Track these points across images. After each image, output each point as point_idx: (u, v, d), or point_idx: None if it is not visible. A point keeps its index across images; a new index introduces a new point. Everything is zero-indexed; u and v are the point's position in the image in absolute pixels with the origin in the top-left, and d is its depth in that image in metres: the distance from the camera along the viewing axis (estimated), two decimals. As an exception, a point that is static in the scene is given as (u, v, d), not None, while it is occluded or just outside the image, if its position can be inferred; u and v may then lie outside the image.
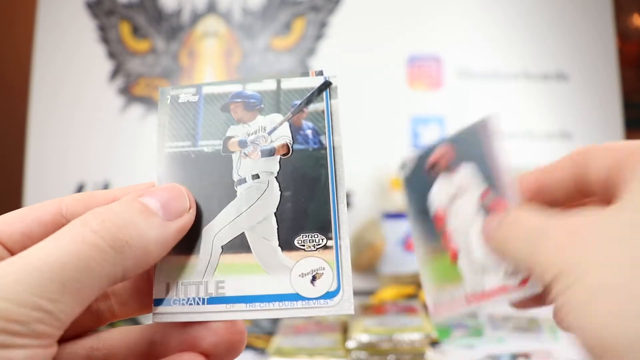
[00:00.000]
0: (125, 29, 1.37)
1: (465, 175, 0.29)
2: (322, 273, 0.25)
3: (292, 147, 0.27)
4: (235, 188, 0.27)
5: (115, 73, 1.36)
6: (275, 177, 0.27)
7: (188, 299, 0.25)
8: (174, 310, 0.25)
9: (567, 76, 1.33)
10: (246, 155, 0.27)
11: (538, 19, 1.34)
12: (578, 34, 1.33)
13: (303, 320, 0.92)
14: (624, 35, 1.50)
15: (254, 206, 0.26)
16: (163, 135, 0.28)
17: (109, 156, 1.32)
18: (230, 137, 0.28)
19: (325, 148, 0.27)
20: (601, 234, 0.22)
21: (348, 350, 0.77)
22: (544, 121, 1.32)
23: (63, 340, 0.23)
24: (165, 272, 0.26)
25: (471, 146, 0.28)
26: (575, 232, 0.23)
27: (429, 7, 1.36)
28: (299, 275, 0.25)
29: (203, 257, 0.26)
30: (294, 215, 0.26)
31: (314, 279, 0.25)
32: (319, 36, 1.35)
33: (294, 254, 0.25)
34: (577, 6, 1.34)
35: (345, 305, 0.24)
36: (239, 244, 0.26)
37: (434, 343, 0.82)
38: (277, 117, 0.28)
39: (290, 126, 0.28)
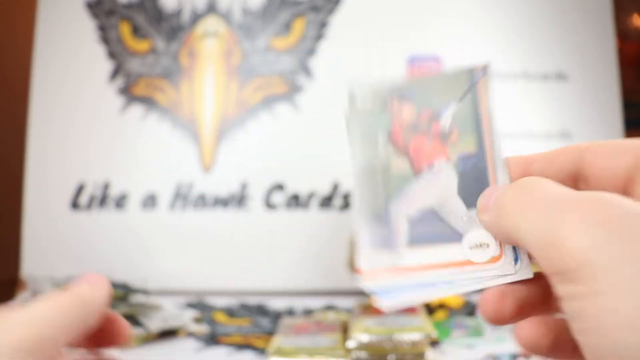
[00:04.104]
0: (125, 29, 1.37)
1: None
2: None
3: None
4: None
5: (115, 73, 1.36)
6: None
7: None
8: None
9: (567, 76, 1.33)
10: None
11: (538, 19, 1.34)
12: (578, 34, 1.33)
13: (303, 320, 0.92)
14: (624, 35, 1.50)
15: None
16: None
17: (109, 156, 1.32)
18: None
19: None
20: None
21: (348, 350, 0.77)
22: (543, 121, 1.32)
23: None
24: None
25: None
26: (623, 217, 0.17)
27: (429, 8, 1.36)
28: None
29: None
30: None
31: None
32: (319, 36, 1.35)
33: None
34: (577, 6, 1.34)
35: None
36: None
37: (434, 343, 0.82)
38: None
39: None
